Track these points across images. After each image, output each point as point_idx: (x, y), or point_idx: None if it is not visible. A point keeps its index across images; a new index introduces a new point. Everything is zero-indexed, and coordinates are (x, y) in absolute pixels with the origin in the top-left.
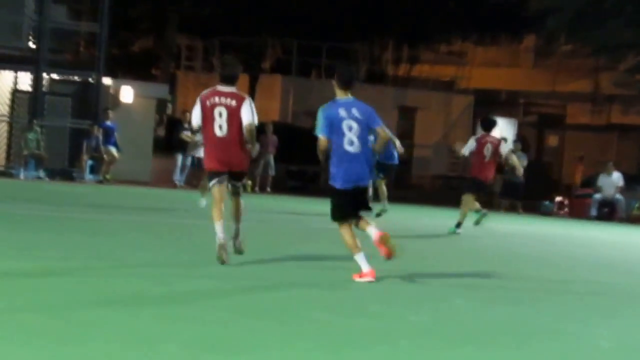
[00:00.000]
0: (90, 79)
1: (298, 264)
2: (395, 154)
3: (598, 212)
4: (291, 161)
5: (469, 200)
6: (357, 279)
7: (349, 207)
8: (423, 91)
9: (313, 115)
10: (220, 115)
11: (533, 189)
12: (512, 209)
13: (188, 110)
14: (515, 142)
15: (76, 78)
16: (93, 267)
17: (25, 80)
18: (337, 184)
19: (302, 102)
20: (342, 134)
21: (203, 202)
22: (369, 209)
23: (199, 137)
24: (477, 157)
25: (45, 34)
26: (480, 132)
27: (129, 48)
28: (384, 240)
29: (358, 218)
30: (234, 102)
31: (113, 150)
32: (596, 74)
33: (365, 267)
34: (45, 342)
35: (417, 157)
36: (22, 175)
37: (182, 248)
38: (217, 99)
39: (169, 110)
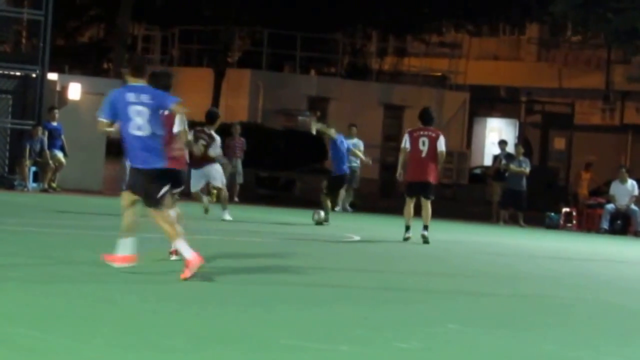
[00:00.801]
0: (32, 74)
1: (265, 282)
2: (344, 165)
3: (610, 224)
4: (261, 166)
5: (406, 206)
6: (111, 260)
7: (141, 188)
8: (412, 87)
9: (286, 114)
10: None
11: (537, 199)
12: (513, 220)
13: None
14: (516, 145)
15: (17, 72)
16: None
17: None
18: (130, 162)
19: (274, 99)
20: (129, 119)
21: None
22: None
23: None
24: (412, 153)
25: None
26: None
27: (76, 38)
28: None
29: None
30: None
31: (59, 154)
32: (608, 68)
33: (126, 251)
34: None
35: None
36: None
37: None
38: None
39: None
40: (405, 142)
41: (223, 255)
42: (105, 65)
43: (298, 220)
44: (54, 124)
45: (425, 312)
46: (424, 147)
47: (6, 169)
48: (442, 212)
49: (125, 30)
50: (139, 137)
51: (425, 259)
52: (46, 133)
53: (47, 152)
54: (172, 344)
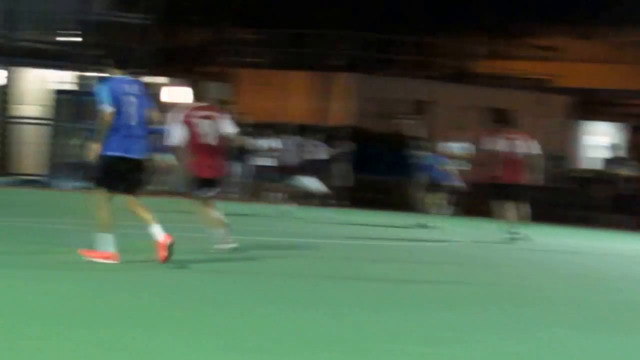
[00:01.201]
0: (140, 78)
1: (367, 284)
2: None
3: None
4: (366, 170)
5: (503, 209)
6: (88, 256)
7: (124, 176)
8: (514, 91)
9: (393, 118)
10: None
11: None
12: (624, 226)
13: (248, 111)
14: (618, 148)
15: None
16: None
17: (67, 79)
18: (108, 151)
19: (380, 103)
20: (124, 109)
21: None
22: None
23: (262, 143)
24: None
25: (87, 27)
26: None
27: (179, 43)
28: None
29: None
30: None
31: (164, 157)
32: None
33: (109, 248)
34: None
35: None
36: (64, 186)
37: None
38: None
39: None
40: (495, 144)
41: (328, 257)
42: (211, 70)
43: (401, 223)
44: (160, 127)
45: (530, 315)
46: (513, 149)
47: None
48: (543, 215)
49: (232, 34)
50: (130, 126)
51: (526, 262)
52: (152, 136)
53: (153, 155)
54: (279, 347)
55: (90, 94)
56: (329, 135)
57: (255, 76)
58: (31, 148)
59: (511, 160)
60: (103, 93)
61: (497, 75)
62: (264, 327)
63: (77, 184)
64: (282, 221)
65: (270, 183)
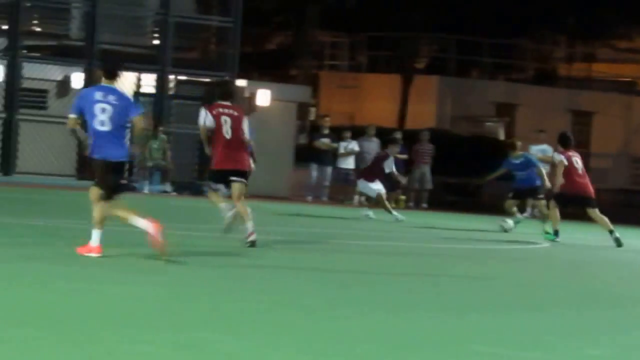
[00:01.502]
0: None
1: (453, 287)
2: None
3: None
4: (449, 173)
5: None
6: (82, 252)
7: (109, 180)
8: (600, 93)
9: (473, 120)
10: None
11: None
12: None
13: (328, 114)
14: None
15: (205, 79)
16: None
17: (148, 82)
18: (94, 155)
19: (461, 105)
20: (94, 115)
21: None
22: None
23: (349, 145)
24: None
25: (170, 29)
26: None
27: (263, 45)
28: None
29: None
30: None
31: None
32: None
33: (95, 242)
34: None
35: (594, 168)
36: (146, 189)
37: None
38: None
39: (312, 116)
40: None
41: (412, 261)
42: (292, 72)
43: (485, 226)
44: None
45: (613, 319)
46: (577, 165)
47: (195, 175)
48: (631, 219)
49: (312, 37)
50: (103, 132)
51: (613, 265)
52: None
53: None
54: (364, 350)
55: (171, 97)
56: (410, 138)
57: (336, 79)
58: None
59: (577, 174)
60: (74, 102)
61: (579, 77)
62: (350, 331)
63: (157, 187)
64: (361, 223)
65: (350, 186)
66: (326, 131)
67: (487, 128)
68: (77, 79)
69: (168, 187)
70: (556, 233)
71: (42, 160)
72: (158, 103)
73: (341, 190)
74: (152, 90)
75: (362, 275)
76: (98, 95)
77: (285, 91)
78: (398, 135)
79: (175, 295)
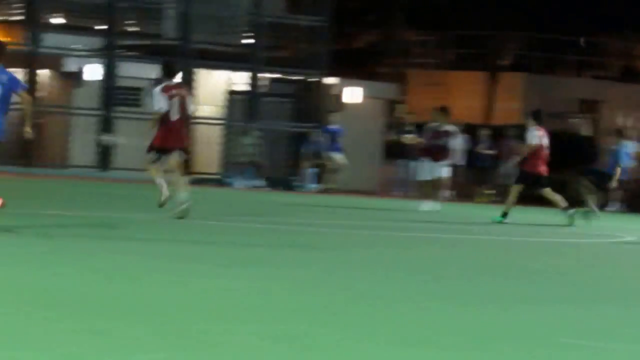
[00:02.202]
0: (311, 78)
1: (535, 280)
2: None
3: None
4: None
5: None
6: None
7: None
8: None
9: (558, 117)
10: None
11: None
12: None
13: (413, 111)
14: None
15: (296, 77)
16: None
17: (241, 80)
18: None
19: (546, 102)
20: None
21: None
22: None
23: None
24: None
25: (262, 29)
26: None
27: (352, 43)
28: None
29: None
30: None
31: (337, 156)
32: None
33: None
34: None
35: None
36: (238, 184)
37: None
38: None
39: (400, 112)
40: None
41: (493, 254)
42: (379, 70)
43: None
44: (333, 126)
45: None
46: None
47: (286, 170)
48: None
49: (400, 35)
50: None
51: None
52: (325, 136)
53: (326, 154)
54: (452, 342)
55: (263, 95)
56: (496, 134)
57: (424, 77)
58: (208, 148)
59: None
60: None
61: None
62: (436, 322)
63: (250, 182)
64: (444, 216)
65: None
66: (411, 127)
67: (572, 124)
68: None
69: (260, 182)
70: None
71: (138, 156)
72: (250, 100)
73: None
74: (245, 88)
75: (447, 268)
76: None
77: (375, 89)
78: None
79: (269, 288)
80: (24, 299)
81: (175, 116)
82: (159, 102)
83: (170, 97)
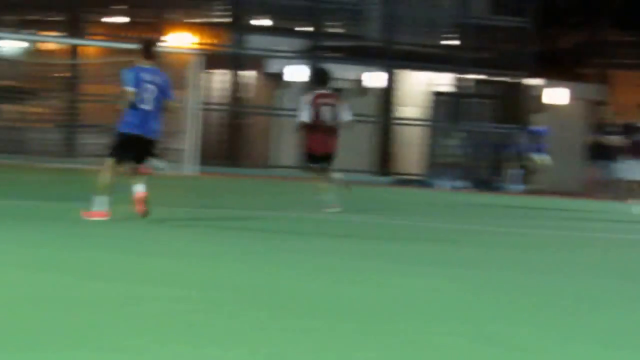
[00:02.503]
0: (515, 80)
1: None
2: None
3: None
4: None
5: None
6: (86, 217)
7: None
8: None
9: None
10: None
11: None
12: None
13: (619, 112)
14: None
15: (500, 78)
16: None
17: (444, 81)
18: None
19: None
20: (140, 94)
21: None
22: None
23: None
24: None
25: (466, 30)
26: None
27: (557, 45)
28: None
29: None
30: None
31: (541, 157)
32: None
33: (100, 207)
34: None
35: None
36: (441, 185)
37: None
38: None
39: (604, 113)
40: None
41: None
42: (585, 71)
43: None
44: (537, 127)
45: None
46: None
47: (489, 171)
48: None
49: (605, 36)
50: (146, 110)
51: None
52: (529, 136)
53: (530, 155)
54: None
55: (468, 96)
56: None
57: (632, 78)
58: (411, 148)
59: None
60: (127, 77)
61: None
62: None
63: (455, 183)
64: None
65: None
66: (616, 128)
67: None
68: (376, 78)
69: (463, 182)
70: None
71: (340, 156)
72: (454, 101)
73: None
74: (448, 89)
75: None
76: (146, 76)
77: (579, 90)
78: None
79: (468, 288)
80: (234, 298)
81: (324, 123)
82: (303, 112)
83: (318, 106)
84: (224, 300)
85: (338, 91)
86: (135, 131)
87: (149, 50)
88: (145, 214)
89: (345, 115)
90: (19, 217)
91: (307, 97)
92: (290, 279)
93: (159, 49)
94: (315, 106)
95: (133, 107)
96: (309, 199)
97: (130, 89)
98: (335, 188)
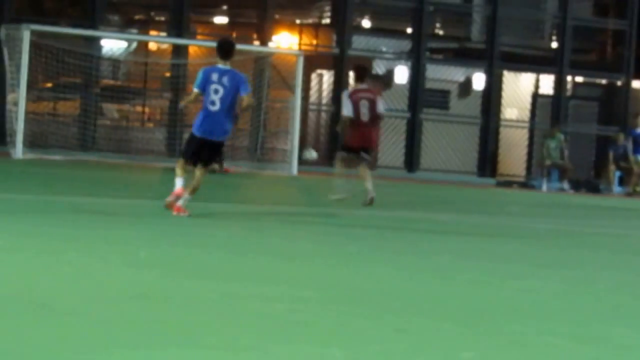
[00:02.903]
0: (618, 82)
1: None
2: None
3: None
4: None
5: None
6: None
7: (197, 152)
8: None
9: None
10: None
11: None
12: None
13: None
14: None
15: (602, 80)
16: None
17: (546, 83)
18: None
19: None
20: (208, 94)
21: None
22: (209, 163)
23: None
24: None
25: (568, 32)
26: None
27: None
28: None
29: (204, 164)
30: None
31: None
32: None
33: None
34: None
35: None
36: (544, 187)
37: None
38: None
39: None
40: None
41: None
42: None
43: None
44: (638, 130)
45: None
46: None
47: (592, 173)
48: None
49: None
50: (213, 112)
51: None
52: (630, 139)
53: (632, 157)
54: None
55: (569, 98)
56: None
57: None
58: (514, 150)
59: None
60: (198, 78)
61: None
62: None
63: (555, 185)
64: None
65: None
66: None
67: None
68: (479, 80)
69: (565, 185)
70: None
71: (444, 157)
72: (556, 103)
73: None
74: (550, 91)
75: None
76: (214, 76)
77: None
78: None
79: (572, 289)
80: (333, 297)
81: (364, 118)
82: (345, 106)
83: (357, 100)
84: (326, 300)
85: (376, 85)
86: (201, 134)
87: (224, 50)
88: (169, 207)
89: (381, 109)
90: (127, 215)
91: (347, 93)
92: (394, 278)
93: (235, 49)
94: (355, 101)
95: (203, 108)
96: (410, 199)
97: (195, 90)
98: (368, 181)
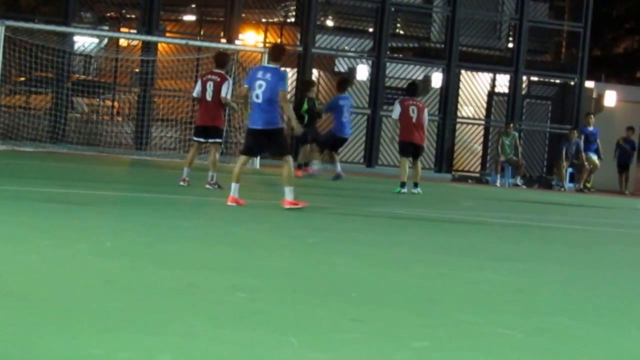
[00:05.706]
0: (571, 82)
1: None
2: None
3: None
4: None
5: (403, 163)
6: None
7: (254, 145)
8: None
9: None
10: None
11: None
12: None
13: None
14: None
15: (557, 80)
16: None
17: (502, 82)
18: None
19: None
20: (253, 89)
21: None
22: (279, 152)
23: None
24: (403, 118)
25: (524, 33)
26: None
27: (612, 49)
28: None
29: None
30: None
31: (594, 157)
32: None
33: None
34: None
35: None
36: (498, 182)
37: None
38: None
39: None
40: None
41: None
42: (639, 75)
43: None
44: (590, 128)
45: None
46: (413, 114)
47: (544, 169)
48: None
49: None
50: (257, 104)
51: None
52: (582, 137)
53: (583, 154)
54: None
55: (523, 97)
56: None
57: None
58: (469, 147)
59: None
60: (248, 76)
61: None
62: None
63: (509, 180)
64: None
65: None
66: None
67: None
68: (437, 79)
69: (519, 180)
70: None
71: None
72: (511, 102)
73: None
74: (506, 90)
75: None
76: (259, 73)
77: (631, 93)
78: None
79: (523, 281)
80: (292, 287)
81: (413, 120)
82: (395, 111)
83: (408, 107)
84: (288, 290)
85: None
86: (252, 125)
87: (274, 53)
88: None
89: (425, 115)
90: (95, 205)
91: (398, 101)
92: (353, 269)
93: (285, 52)
94: (405, 107)
95: (252, 103)
96: (371, 195)
97: (245, 85)
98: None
